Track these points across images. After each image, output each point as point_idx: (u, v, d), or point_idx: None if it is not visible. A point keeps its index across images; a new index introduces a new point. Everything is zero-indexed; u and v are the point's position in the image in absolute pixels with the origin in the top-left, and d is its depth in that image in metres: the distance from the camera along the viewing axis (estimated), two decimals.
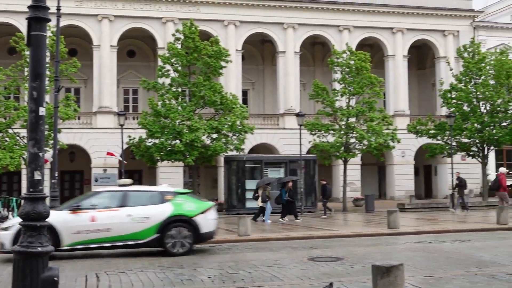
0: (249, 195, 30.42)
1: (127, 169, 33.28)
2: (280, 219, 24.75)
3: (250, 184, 30.56)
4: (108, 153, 32.80)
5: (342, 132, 31.30)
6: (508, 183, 42.83)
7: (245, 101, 41.75)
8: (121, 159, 30.89)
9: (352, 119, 31.77)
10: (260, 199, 25.15)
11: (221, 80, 35.47)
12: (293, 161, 31.61)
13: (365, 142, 31.18)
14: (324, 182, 28.91)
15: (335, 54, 32.65)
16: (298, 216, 25.27)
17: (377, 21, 42.18)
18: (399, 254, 13.79)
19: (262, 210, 25.01)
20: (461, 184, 29.07)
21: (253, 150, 39.02)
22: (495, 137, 32.41)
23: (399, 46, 42.60)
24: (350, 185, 38.01)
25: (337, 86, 33.59)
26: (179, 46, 30.07)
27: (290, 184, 25.58)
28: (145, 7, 38.66)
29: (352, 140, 31.60)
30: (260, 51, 45.10)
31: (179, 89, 30.07)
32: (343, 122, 31.59)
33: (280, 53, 40.95)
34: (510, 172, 44.07)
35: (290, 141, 37.54)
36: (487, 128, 32.67)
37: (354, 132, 31.18)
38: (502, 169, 25.80)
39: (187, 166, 35.53)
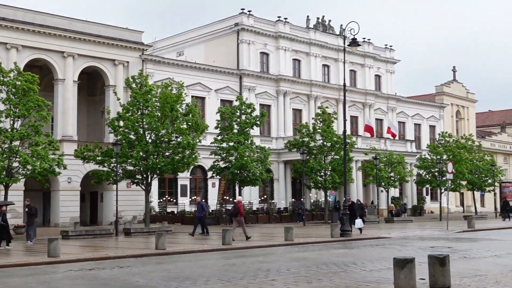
0: None
1: None
2: None
3: None
4: None
5: (5, 155, 29.58)
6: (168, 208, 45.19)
7: None
8: None
9: (16, 143, 30.26)
10: None
11: None
12: None
13: (29, 167, 29.92)
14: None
15: (0, 73, 30.80)
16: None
17: (47, 43, 41.17)
18: (58, 283, 13.47)
19: None
20: (31, 213, 27.39)
21: None
22: (159, 166, 33.98)
23: (70, 70, 42.20)
24: (11, 212, 35.97)
25: (2, 106, 31.70)
26: None
27: (4, 208, 24.55)
28: None
29: (15, 164, 30.05)
30: None
31: None
32: (6, 145, 29.88)
33: None
34: (171, 199, 46.75)
35: None
36: (151, 157, 34.11)
37: (18, 156, 29.71)
38: (240, 198, 28.07)
39: None
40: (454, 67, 77.85)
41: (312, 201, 51.11)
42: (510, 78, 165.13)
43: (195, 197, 34.33)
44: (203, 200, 34.85)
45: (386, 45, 66.04)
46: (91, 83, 47.73)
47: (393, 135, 56.89)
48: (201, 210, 30.01)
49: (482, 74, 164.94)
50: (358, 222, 29.03)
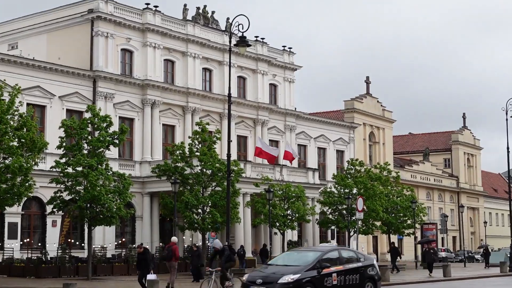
0: None
1: None
2: None
3: None
4: None
5: None
6: None
7: None
8: None
9: None
10: None
11: None
12: None
13: None
14: None
15: None
16: None
17: None
18: None
19: None
20: None
21: None
22: None
23: None
24: None
25: None
26: None
27: None
28: None
29: None
30: None
31: None
32: None
33: None
34: None
35: None
36: None
37: None
38: (174, 239, 29.58)
39: None
40: (367, 78, 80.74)
41: (185, 246, 50.91)
42: (433, 96, 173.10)
43: None
44: None
45: (284, 46, 67.43)
46: None
47: (290, 159, 56.74)
48: None
49: (400, 90, 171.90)
50: (151, 277, 27.60)
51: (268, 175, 53.97)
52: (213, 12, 61.17)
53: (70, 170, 39.61)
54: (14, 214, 45.26)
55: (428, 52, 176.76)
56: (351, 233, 55.71)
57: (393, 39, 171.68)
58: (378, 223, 59.27)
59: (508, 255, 56.64)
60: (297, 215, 52.05)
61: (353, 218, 51.97)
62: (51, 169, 41.70)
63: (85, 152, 39.99)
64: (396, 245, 64.84)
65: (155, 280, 26.98)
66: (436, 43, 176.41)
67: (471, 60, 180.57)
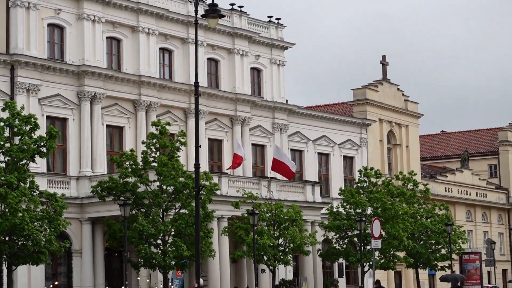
0: None
1: None
2: None
3: None
4: None
5: None
6: None
7: None
8: None
9: None
10: None
11: None
12: None
13: None
14: None
15: None
16: None
17: None
18: None
19: None
20: None
21: None
22: None
23: None
24: None
25: None
26: None
27: None
28: None
29: None
30: None
31: None
32: None
33: None
34: None
35: None
36: None
37: None
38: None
39: None
40: (384, 57, 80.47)
41: None
42: (472, 83, 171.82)
43: None
44: None
45: (270, 17, 67.55)
46: None
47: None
48: None
49: (427, 75, 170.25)
50: None
51: (252, 192, 53.34)
52: None
53: None
54: None
55: (465, 28, 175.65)
56: (366, 268, 55.68)
57: (419, 10, 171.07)
58: (401, 254, 59.26)
59: None
60: (292, 245, 51.93)
61: (368, 247, 51.99)
62: None
63: (2, 165, 40.02)
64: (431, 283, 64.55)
65: None
66: (475, 17, 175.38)
67: None
